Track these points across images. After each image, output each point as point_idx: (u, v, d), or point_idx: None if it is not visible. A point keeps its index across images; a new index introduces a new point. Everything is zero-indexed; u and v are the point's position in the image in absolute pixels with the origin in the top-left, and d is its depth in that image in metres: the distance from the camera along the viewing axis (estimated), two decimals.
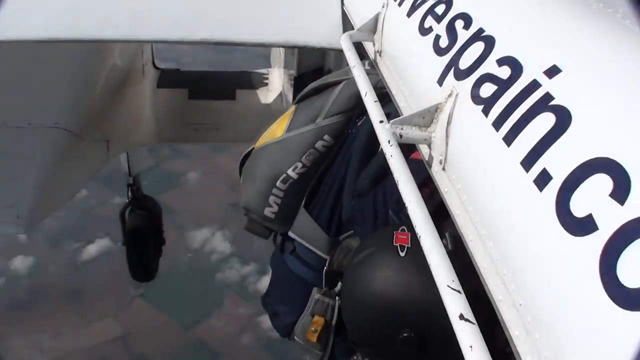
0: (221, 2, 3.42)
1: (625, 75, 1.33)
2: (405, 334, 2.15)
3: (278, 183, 3.18)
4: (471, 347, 1.22)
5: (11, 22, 3.10)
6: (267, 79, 7.51)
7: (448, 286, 1.35)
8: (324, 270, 3.07)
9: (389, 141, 1.77)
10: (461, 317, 1.27)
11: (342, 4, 3.25)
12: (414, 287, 2.16)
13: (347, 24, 3.18)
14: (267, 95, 7.35)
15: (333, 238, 3.12)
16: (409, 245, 2.22)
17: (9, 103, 5.17)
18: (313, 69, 4.57)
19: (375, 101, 2.10)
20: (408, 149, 2.22)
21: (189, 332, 32.29)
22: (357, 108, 3.08)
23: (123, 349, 31.60)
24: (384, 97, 2.48)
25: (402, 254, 2.21)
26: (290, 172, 3.15)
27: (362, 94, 2.22)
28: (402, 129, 1.80)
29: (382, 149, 1.91)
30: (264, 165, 3.24)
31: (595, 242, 1.09)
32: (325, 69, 4.45)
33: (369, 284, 2.28)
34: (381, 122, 1.91)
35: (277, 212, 3.22)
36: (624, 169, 1.11)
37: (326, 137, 3.14)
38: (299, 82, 4.56)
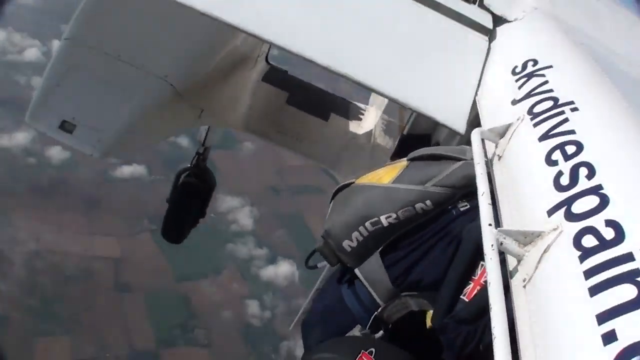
0: (375, 47, 3.60)
1: None
2: None
3: (367, 223, 3.26)
4: None
5: None
6: (363, 114, 7.83)
7: None
8: (375, 314, 3.23)
9: (492, 245, 2.05)
10: None
11: (476, 94, 3.41)
12: None
13: (472, 113, 3.37)
14: (358, 129, 7.64)
15: (395, 289, 3.25)
16: None
17: (136, 41, 5.54)
18: (422, 133, 4.77)
19: (489, 204, 2.33)
20: None
21: (178, 284, 32.50)
22: (464, 189, 3.21)
23: (112, 270, 31.94)
24: (472, 193, 2.80)
25: None
26: (382, 218, 3.24)
27: (480, 192, 2.44)
28: (505, 238, 2.07)
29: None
30: (361, 203, 3.34)
31: None
32: (434, 139, 4.64)
33: None
34: (490, 225, 2.17)
35: (354, 248, 3.30)
36: None
37: (428, 202, 3.23)
38: (406, 139, 4.76)
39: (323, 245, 3.43)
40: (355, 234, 3.28)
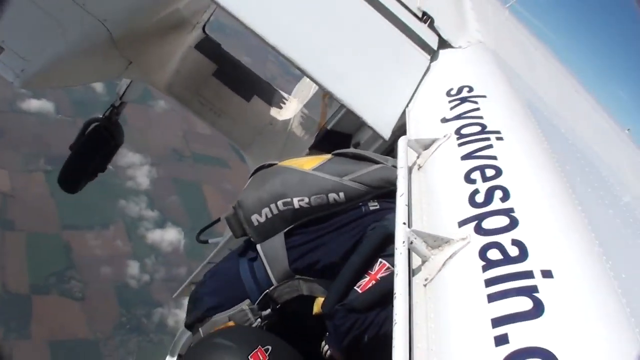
0: (325, 40, 3.70)
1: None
2: None
3: (279, 202, 3.33)
4: None
5: None
6: (284, 103, 7.95)
7: None
8: (266, 292, 3.29)
9: (403, 242, 2.24)
10: None
11: (407, 106, 3.56)
12: None
13: (398, 122, 3.52)
14: (277, 115, 7.77)
15: (291, 271, 3.29)
16: None
17: None
18: (345, 132, 4.88)
19: (407, 205, 2.53)
20: None
21: (63, 231, 31.70)
22: (377, 190, 3.31)
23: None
24: (391, 194, 2.93)
25: None
26: (295, 200, 3.31)
27: (399, 193, 2.64)
28: (415, 238, 2.25)
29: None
30: (278, 182, 3.40)
31: None
32: (354, 139, 4.76)
33: None
34: (404, 223, 2.37)
35: (261, 223, 3.35)
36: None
37: (341, 194, 3.30)
38: (328, 134, 4.87)
39: (232, 215, 3.47)
40: (265, 210, 3.34)
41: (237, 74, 7.68)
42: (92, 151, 8.06)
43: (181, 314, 29.71)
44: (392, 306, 2.13)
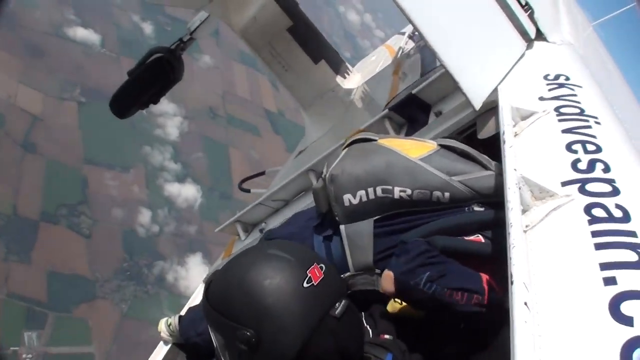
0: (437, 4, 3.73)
1: None
2: (248, 333, 2.26)
3: (379, 187, 3.16)
4: None
5: None
6: (349, 74, 8.06)
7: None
8: (342, 275, 3.05)
9: (516, 183, 2.38)
10: None
11: (500, 83, 3.58)
12: (290, 312, 2.26)
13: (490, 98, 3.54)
14: (340, 84, 7.87)
15: (372, 264, 3.18)
16: (315, 283, 2.31)
17: None
18: (427, 101, 4.87)
19: (514, 156, 2.67)
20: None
21: (83, 165, 31.90)
22: (483, 198, 3.17)
23: (26, 125, 31.24)
24: (497, 205, 2.83)
25: (305, 285, 2.30)
26: (396, 189, 3.14)
27: (508, 145, 2.77)
28: (523, 185, 2.39)
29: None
30: (383, 164, 3.21)
31: None
32: (435, 109, 4.69)
33: (263, 277, 2.32)
34: (515, 170, 2.50)
35: (353, 205, 3.19)
36: None
37: (447, 194, 3.15)
38: (411, 99, 4.83)
39: (321, 188, 3.32)
40: (361, 192, 3.17)
41: (310, 35, 7.74)
42: (150, 80, 8.00)
43: (182, 272, 29.73)
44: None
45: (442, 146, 3.37)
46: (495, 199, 3.10)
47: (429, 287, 2.68)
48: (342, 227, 3.24)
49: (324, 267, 2.39)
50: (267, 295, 2.27)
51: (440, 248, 2.84)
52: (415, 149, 3.32)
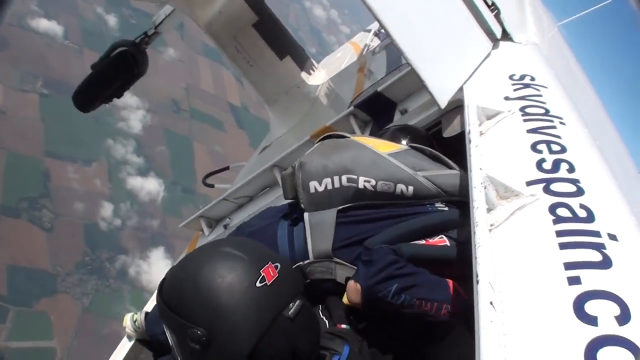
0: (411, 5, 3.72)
1: None
2: (199, 332, 2.22)
3: (344, 176, 3.24)
4: None
5: None
6: (314, 70, 8.07)
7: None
8: (299, 264, 3.21)
9: (481, 182, 2.41)
10: None
11: (465, 82, 3.60)
12: (242, 312, 2.21)
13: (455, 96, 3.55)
14: (305, 80, 7.89)
15: (331, 252, 3.19)
16: (268, 283, 2.26)
17: None
18: (392, 99, 4.87)
19: (480, 155, 2.70)
20: None
21: (45, 158, 31.50)
22: (447, 197, 3.24)
23: None
24: (461, 204, 3.01)
25: (258, 284, 2.25)
26: (361, 179, 3.22)
27: (473, 144, 2.80)
28: (488, 184, 2.42)
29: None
30: (349, 156, 3.30)
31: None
32: (400, 107, 4.72)
33: (215, 276, 2.28)
34: (480, 169, 2.52)
35: (318, 193, 3.27)
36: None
37: (410, 188, 3.21)
38: (377, 97, 4.82)
39: (289, 174, 3.37)
40: (326, 180, 3.25)
41: (275, 30, 7.72)
42: (114, 74, 7.90)
43: (144, 266, 29.48)
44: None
45: (412, 147, 3.50)
46: (458, 198, 3.18)
47: (397, 298, 2.72)
48: (305, 214, 3.28)
49: (279, 266, 2.35)
50: (219, 295, 2.24)
51: (407, 257, 2.88)
52: (385, 146, 3.42)
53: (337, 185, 3.24)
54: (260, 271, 2.28)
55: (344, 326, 2.89)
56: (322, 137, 3.63)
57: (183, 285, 2.34)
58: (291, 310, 2.28)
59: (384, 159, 3.27)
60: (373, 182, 3.20)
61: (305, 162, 3.32)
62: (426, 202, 3.24)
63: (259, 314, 2.24)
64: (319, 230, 3.24)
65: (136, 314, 4.11)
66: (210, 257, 2.39)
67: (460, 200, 3.14)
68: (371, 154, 3.30)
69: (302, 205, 3.32)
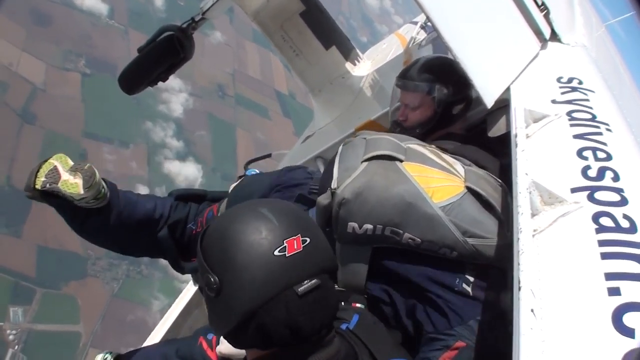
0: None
1: None
2: (212, 278, 2.25)
3: (388, 228, 3.08)
4: None
5: None
6: (359, 61, 7.97)
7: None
8: None
9: (527, 188, 2.47)
10: None
11: (512, 82, 3.56)
12: (250, 274, 2.20)
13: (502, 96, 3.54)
14: (350, 70, 7.80)
15: (363, 286, 3.24)
16: (287, 254, 2.22)
17: None
18: None
19: (527, 160, 2.70)
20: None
21: (83, 138, 31.67)
22: (482, 260, 3.11)
23: (26, 94, 30.96)
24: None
25: (276, 253, 2.21)
26: (406, 235, 3.07)
27: (520, 149, 2.81)
28: (534, 189, 2.45)
29: None
30: (400, 207, 3.08)
31: None
32: None
33: (240, 232, 2.27)
34: (526, 174, 2.56)
35: (355, 234, 3.11)
36: None
37: (455, 253, 3.09)
38: None
39: (327, 205, 3.19)
40: (368, 226, 3.08)
41: (322, 20, 7.65)
42: (160, 58, 7.59)
43: None
44: None
45: (469, 189, 3.23)
46: (486, 262, 3.09)
47: None
48: (338, 244, 3.17)
49: (307, 241, 2.27)
50: (237, 250, 2.23)
51: None
52: (441, 190, 3.17)
53: (378, 233, 3.07)
54: (284, 241, 2.23)
55: (359, 305, 2.93)
56: (368, 157, 3.29)
57: (215, 232, 2.38)
58: (302, 287, 2.22)
59: (437, 218, 3.06)
60: (418, 240, 3.06)
61: (349, 200, 3.08)
62: (457, 268, 3.10)
63: (267, 281, 2.21)
64: (350, 264, 3.17)
65: (107, 355, 3.94)
66: (246, 213, 2.36)
67: (486, 265, 3.08)
68: (424, 209, 3.06)
69: (334, 235, 3.16)
